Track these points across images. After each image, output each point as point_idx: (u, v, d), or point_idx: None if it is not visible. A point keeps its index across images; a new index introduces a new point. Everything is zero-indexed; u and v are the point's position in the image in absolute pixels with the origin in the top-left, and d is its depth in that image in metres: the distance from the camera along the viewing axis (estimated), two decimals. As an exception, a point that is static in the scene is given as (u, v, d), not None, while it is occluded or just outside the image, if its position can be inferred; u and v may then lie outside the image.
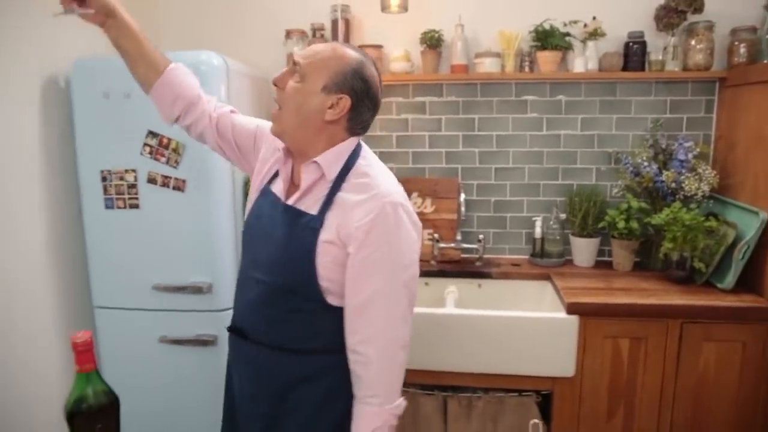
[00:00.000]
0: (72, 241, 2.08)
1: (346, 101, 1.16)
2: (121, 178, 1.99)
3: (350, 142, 1.22)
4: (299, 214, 1.19)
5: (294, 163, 1.27)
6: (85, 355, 0.89)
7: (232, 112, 1.45)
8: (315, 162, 1.19)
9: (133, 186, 1.98)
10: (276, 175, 1.30)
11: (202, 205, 1.98)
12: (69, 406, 0.89)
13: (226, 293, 2.05)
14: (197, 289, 2.02)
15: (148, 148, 1.95)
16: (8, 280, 1.80)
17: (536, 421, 0.84)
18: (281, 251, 1.19)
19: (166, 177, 1.95)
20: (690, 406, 1.97)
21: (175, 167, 1.95)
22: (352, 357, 1.18)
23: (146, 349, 2.07)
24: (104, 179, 1.99)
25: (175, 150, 1.93)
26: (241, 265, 1.36)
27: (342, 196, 1.18)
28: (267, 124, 1.35)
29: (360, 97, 1.17)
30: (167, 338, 2.06)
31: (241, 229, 1.43)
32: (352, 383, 1.20)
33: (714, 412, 1.96)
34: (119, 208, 2.01)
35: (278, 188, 1.27)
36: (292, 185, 1.26)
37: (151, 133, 1.94)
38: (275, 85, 1.19)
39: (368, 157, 1.25)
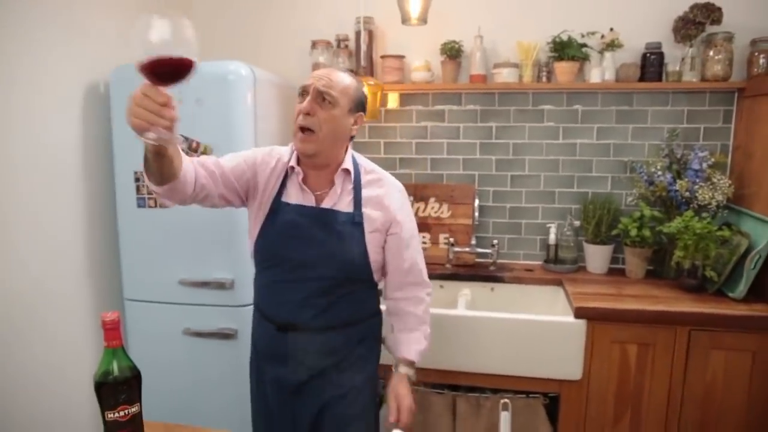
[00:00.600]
0: (107, 237, 2.23)
1: (362, 117, 1.46)
2: (153, 179, 2.12)
3: (350, 148, 1.51)
4: (340, 214, 1.43)
5: (306, 174, 1.47)
6: (112, 332, 1.00)
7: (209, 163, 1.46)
8: (345, 169, 1.45)
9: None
10: (280, 190, 1.47)
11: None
12: (97, 378, 1.00)
13: (246, 289, 2.16)
14: (220, 285, 2.14)
15: (178, 151, 2.08)
16: (47, 272, 1.96)
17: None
18: (336, 247, 1.41)
19: (194, 178, 2.08)
20: (698, 414, 1.98)
21: (202, 169, 2.07)
22: (402, 303, 1.60)
23: (171, 341, 2.19)
24: (137, 180, 2.14)
25: (204, 153, 2.06)
26: (270, 273, 1.50)
27: (367, 192, 1.47)
28: (250, 154, 1.51)
29: (365, 112, 1.47)
30: (191, 330, 2.18)
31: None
32: (395, 322, 1.61)
33: (722, 421, 1.97)
34: (150, 207, 2.15)
35: (295, 199, 1.45)
36: (310, 194, 1.45)
37: (182, 137, 2.07)
38: (306, 113, 1.35)
39: (360, 157, 1.55)
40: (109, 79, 2.13)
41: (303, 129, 1.37)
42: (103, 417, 1.01)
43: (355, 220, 1.43)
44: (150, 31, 0.88)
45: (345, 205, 1.44)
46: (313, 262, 1.42)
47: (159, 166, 1.21)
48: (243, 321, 2.17)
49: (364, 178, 1.49)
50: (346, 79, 1.41)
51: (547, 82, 2.41)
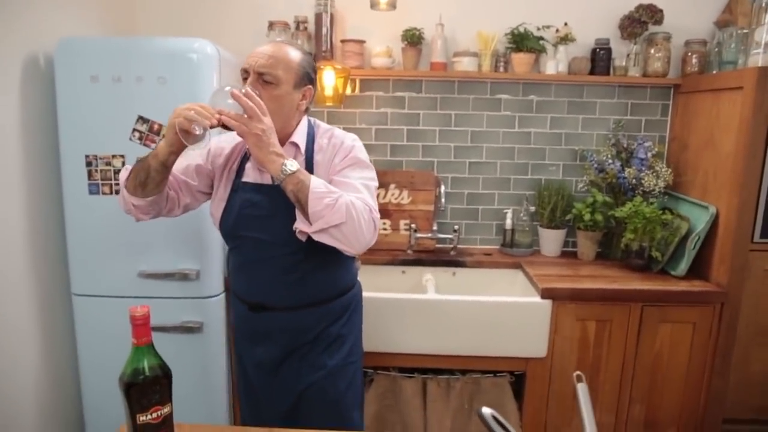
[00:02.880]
0: (51, 226, 2.03)
1: (311, 90, 1.44)
2: (108, 164, 1.96)
3: (305, 119, 1.48)
4: None
5: None
6: (142, 328, 0.93)
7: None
8: (292, 142, 1.43)
9: (119, 172, 1.95)
10: (239, 171, 1.48)
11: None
12: (126, 377, 0.92)
13: (212, 279, 2.07)
14: (184, 276, 2.02)
15: (137, 134, 1.93)
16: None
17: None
18: (290, 220, 1.34)
19: (156, 163, 1.94)
20: (646, 382, 2.17)
21: (166, 153, 1.94)
22: None
23: (128, 338, 2.04)
24: (89, 164, 1.96)
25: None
26: (237, 254, 1.50)
27: (318, 157, 1.45)
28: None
29: (315, 84, 1.46)
30: (152, 326, 2.04)
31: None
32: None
33: (667, 386, 2.18)
34: (104, 194, 1.98)
35: (252, 178, 1.45)
36: (264, 170, 1.39)
37: (141, 119, 1.92)
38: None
39: (320, 123, 1.53)
40: (50, 51, 1.93)
41: None
42: (133, 420, 0.94)
43: None
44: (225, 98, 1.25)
45: None
46: (272, 240, 1.41)
47: (160, 178, 1.36)
48: (209, 313, 2.08)
49: (318, 142, 1.46)
50: (289, 53, 1.36)
51: (504, 72, 2.49)
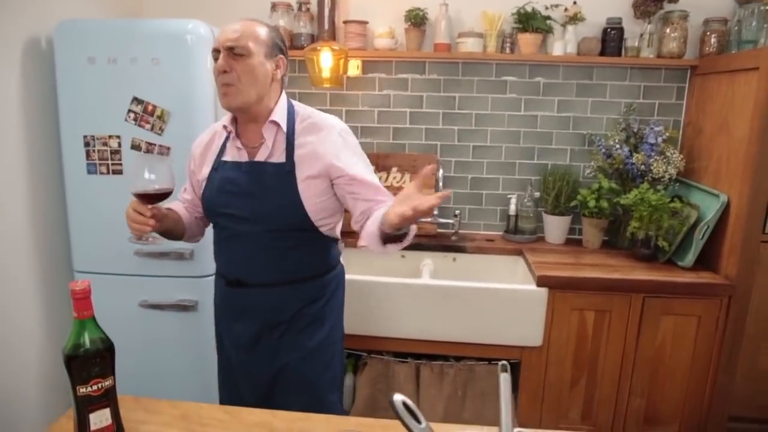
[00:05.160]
0: (53, 205, 2.09)
1: (283, 60, 1.44)
2: (105, 144, 2.00)
3: (284, 98, 1.47)
4: (271, 165, 1.42)
5: (240, 132, 1.47)
6: (82, 302, 0.95)
7: (184, 197, 1.66)
8: (273, 121, 1.42)
9: (116, 152, 1.99)
10: (221, 152, 1.50)
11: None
12: (67, 351, 0.94)
13: (207, 259, 2.08)
14: (179, 255, 2.06)
15: (132, 115, 1.96)
16: (-10, 241, 1.82)
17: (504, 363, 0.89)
18: (269, 199, 1.40)
19: (150, 144, 1.97)
20: (647, 375, 2.10)
21: (159, 134, 1.96)
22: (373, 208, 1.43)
23: (127, 314, 2.10)
24: (87, 144, 2.00)
25: (160, 117, 1.95)
26: (218, 230, 1.54)
27: (300, 140, 1.43)
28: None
29: (286, 54, 1.46)
30: (147, 303, 2.10)
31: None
32: (371, 218, 1.40)
33: (669, 381, 2.10)
34: (102, 173, 2.02)
35: (231, 157, 1.46)
36: (244, 150, 1.45)
37: (136, 100, 1.95)
38: (223, 72, 1.34)
39: (299, 105, 1.51)
40: (51, 34, 1.97)
41: (224, 86, 1.36)
42: (75, 392, 0.95)
43: (286, 169, 1.41)
44: (141, 172, 1.29)
45: (278, 157, 1.43)
46: (249, 217, 1.43)
47: (172, 237, 1.54)
48: (203, 292, 2.11)
49: (298, 126, 1.46)
50: (255, 27, 1.39)
51: (510, 53, 2.42)
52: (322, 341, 1.55)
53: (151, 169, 1.30)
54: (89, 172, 2.02)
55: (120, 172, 2.01)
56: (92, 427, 0.97)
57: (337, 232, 1.57)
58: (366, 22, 2.46)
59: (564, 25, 2.36)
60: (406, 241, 1.36)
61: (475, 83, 2.50)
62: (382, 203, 1.42)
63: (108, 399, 0.98)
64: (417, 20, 2.41)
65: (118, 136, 1.98)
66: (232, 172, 1.45)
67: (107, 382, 0.97)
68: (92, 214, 2.05)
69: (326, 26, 2.38)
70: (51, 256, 2.09)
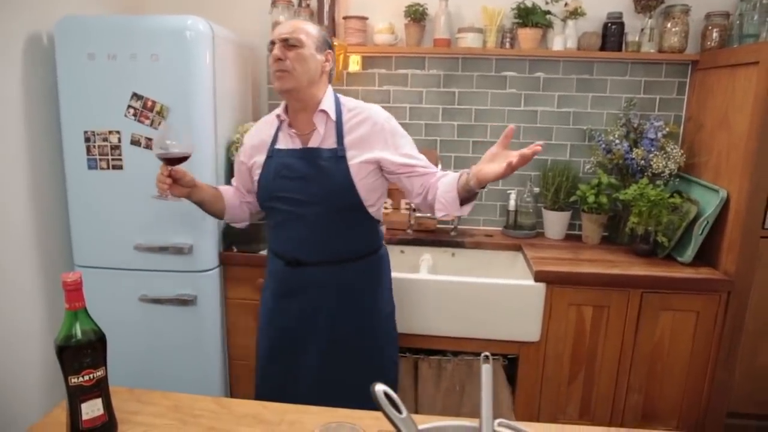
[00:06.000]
0: (54, 200, 2.11)
1: (331, 54, 1.59)
2: (105, 139, 2.01)
3: (331, 89, 1.61)
4: (325, 150, 1.54)
5: (291, 121, 1.60)
6: (74, 293, 0.96)
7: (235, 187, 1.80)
8: (322, 110, 1.55)
9: (116, 147, 2.01)
10: (274, 141, 1.62)
11: (186, 167, 2.01)
12: (59, 341, 0.95)
13: (206, 254, 2.11)
14: (178, 250, 2.07)
15: (132, 110, 1.97)
16: (-8, 235, 1.84)
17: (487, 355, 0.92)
18: (323, 182, 1.52)
19: (149, 139, 1.98)
20: (645, 371, 2.09)
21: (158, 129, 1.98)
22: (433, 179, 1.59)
23: (126, 308, 2.12)
24: (87, 140, 2.02)
25: (159, 113, 1.96)
26: (275, 214, 1.62)
27: (348, 127, 1.56)
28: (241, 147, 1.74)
29: (334, 50, 1.61)
30: (147, 297, 2.11)
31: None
32: (440, 181, 1.57)
33: (667, 377, 2.09)
34: (102, 168, 2.04)
35: (285, 145, 1.59)
36: (297, 137, 1.58)
37: (136, 95, 1.96)
38: (277, 59, 1.49)
39: (343, 96, 1.65)
40: (52, 30, 1.98)
41: (278, 71, 1.50)
42: (67, 382, 0.97)
43: (338, 154, 1.53)
44: (164, 138, 1.44)
45: (329, 143, 1.55)
46: (306, 199, 1.54)
47: (209, 210, 1.71)
48: (202, 287, 2.13)
49: (346, 115, 1.58)
50: (306, 24, 1.56)
51: (510, 48, 2.41)
52: (373, 315, 1.68)
53: (173, 136, 1.43)
54: (90, 167, 2.04)
55: (120, 168, 2.02)
56: (84, 417, 0.98)
57: (381, 214, 1.70)
58: (366, 18, 2.46)
59: (564, 20, 2.36)
60: (475, 200, 1.53)
61: (474, 78, 2.50)
62: (433, 173, 1.60)
63: (99, 389, 0.99)
64: (417, 16, 2.41)
65: (118, 132, 2.00)
66: (288, 158, 1.56)
67: (99, 373, 0.99)
68: (92, 209, 2.08)
69: (326, 22, 2.39)
70: (52, 250, 2.12)
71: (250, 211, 1.81)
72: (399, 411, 0.74)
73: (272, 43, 1.52)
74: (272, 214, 1.64)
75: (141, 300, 2.11)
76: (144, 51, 1.94)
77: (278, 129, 1.62)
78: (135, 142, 1.99)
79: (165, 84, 1.96)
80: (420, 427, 0.76)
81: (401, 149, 1.58)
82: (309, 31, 1.53)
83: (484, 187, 1.45)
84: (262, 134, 1.65)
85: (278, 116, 1.61)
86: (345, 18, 2.45)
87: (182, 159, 1.41)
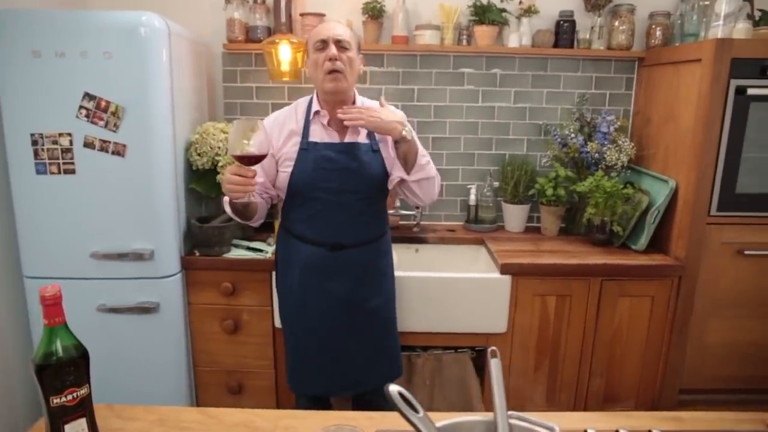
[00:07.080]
0: (-1, 207, 1.98)
1: (364, 58, 1.76)
2: (55, 142, 1.90)
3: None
4: (363, 144, 1.70)
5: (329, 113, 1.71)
6: (53, 308, 0.90)
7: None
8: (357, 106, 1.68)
9: (68, 150, 1.90)
10: (304, 133, 1.71)
11: (144, 170, 1.94)
12: (38, 360, 0.89)
13: (168, 259, 2.04)
14: (139, 256, 1.99)
15: (84, 111, 1.87)
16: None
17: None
18: (364, 172, 1.68)
19: (104, 141, 1.89)
20: (606, 355, 2.19)
21: (114, 131, 1.89)
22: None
23: (83, 319, 1.99)
24: (35, 143, 1.90)
25: (114, 113, 1.87)
26: (314, 203, 1.70)
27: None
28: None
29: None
30: (105, 307, 2.02)
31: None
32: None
33: (626, 359, 2.20)
34: (53, 173, 1.92)
35: (320, 138, 1.69)
36: (334, 132, 1.70)
37: (88, 95, 1.86)
38: (335, 59, 1.59)
39: (358, 96, 1.79)
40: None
41: (333, 72, 1.60)
42: (48, 403, 0.91)
43: (373, 148, 1.70)
44: (240, 136, 1.39)
45: (363, 137, 1.70)
46: (349, 188, 1.68)
47: (249, 213, 1.71)
48: (166, 293, 2.05)
49: None
50: (346, 27, 1.69)
51: (467, 45, 2.45)
52: (390, 287, 1.87)
53: (249, 134, 1.43)
54: (38, 172, 1.92)
55: (73, 172, 1.92)
56: (68, 439, 0.93)
57: None
58: (323, 15, 2.43)
59: (519, 18, 2.42)
60: (416, 162, 1.67)
61: (433, 75, 2.52)
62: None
63: (84, 408, 0.94)
64: (374, 13, 2.41)
65: (69, 134, 1.89)
66: (327, 151, 1.68)
67: (83, 391, 0.94)
68: (43, 217, 1.96)
69: (283, 19, 2.34)
70: (-1, 261, 1.98)
71: (268, 206, 1.86)
72: (415, 410, 0.74)
73: (323, 42, 1.60)
74: (310, 204, 1.71)
75: (99, 310, 2.02)
76: (95, 48, 1.84)
77: (307, 121, 1.71)
78: (89, 145, 1.90)
79: (119, 83, 1.87)
80: (437, 424, 0.76)
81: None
82: (352, 34, 1.67)
83: (398, 142, 1.62)
84: (287, 126, 1.72)
85: (317, 112, 1.70)
86: (302, 15, 2.41)
87: (260, 159, 1.42)
